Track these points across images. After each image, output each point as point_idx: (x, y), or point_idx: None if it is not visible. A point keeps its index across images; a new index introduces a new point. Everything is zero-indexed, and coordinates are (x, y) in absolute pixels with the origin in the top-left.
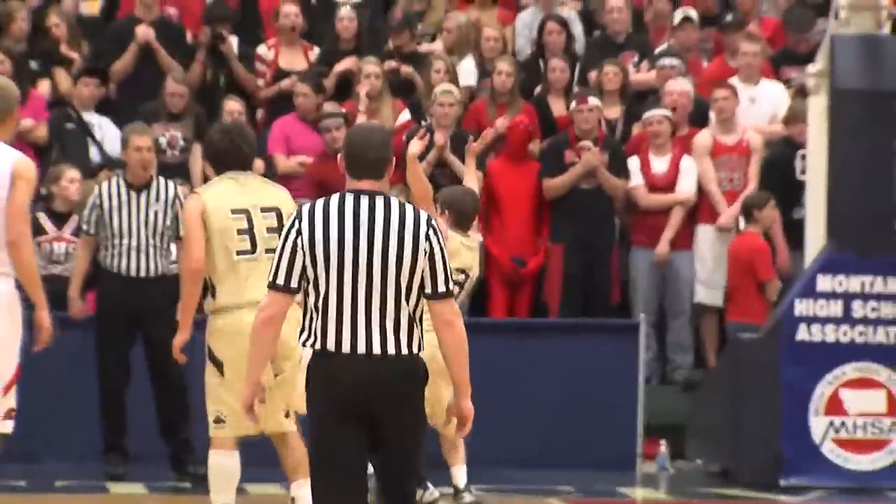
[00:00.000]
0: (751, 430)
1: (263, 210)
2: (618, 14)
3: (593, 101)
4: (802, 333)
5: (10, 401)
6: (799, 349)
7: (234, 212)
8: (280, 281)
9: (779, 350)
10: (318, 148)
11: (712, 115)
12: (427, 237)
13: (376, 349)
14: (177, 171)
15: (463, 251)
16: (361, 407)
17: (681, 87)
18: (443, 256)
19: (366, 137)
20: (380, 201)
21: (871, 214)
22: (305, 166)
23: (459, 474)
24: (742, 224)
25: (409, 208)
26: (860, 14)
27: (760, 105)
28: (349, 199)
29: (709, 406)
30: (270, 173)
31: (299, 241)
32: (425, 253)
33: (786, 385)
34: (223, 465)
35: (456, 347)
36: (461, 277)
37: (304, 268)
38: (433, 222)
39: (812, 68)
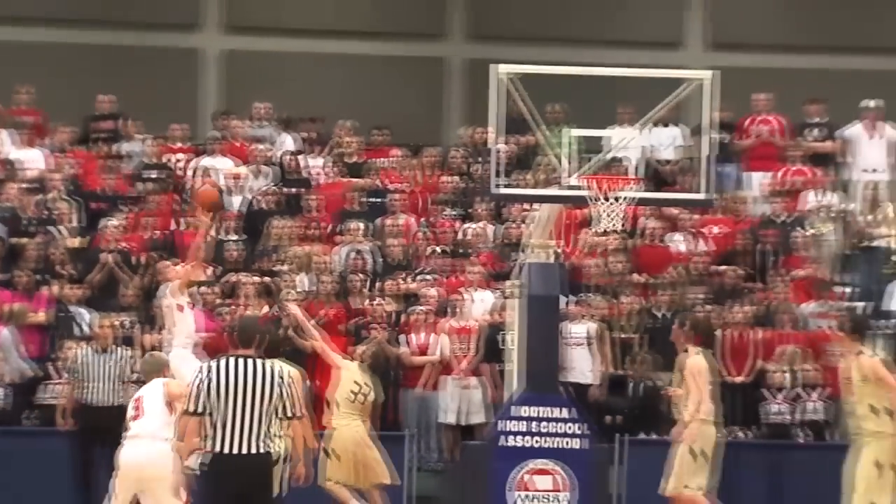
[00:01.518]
0: (477, 500)
1: None
2: (396, 248)
3: (383, 301)
4: (508, 441)
5: None
6: (505, 450)
7: None
8: (192, 409)
9: (492, 451)
10: (216, 327)
11: (455, 309)
12: (281, 383)
13: (249, 450)
14: (128, 342)
15: (361, 375)
16: (238, 486)
17: (434, 292)
18: (290, 395)
19: (246, 322)
20: (257, 362)
21: (547, 369)
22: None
23: None
24: None
25: (272, 365)
26: (540, 250)
27: (484, 303)
28: (238, 360)
29: (453, 485)
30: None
31: (204, 383)
32: (279, 393)
33: (496, 472)
34: None
35: (299, 440)
36: (366, 389)
37: (207, 400)
38: (286, 372)
39: (513, 281)
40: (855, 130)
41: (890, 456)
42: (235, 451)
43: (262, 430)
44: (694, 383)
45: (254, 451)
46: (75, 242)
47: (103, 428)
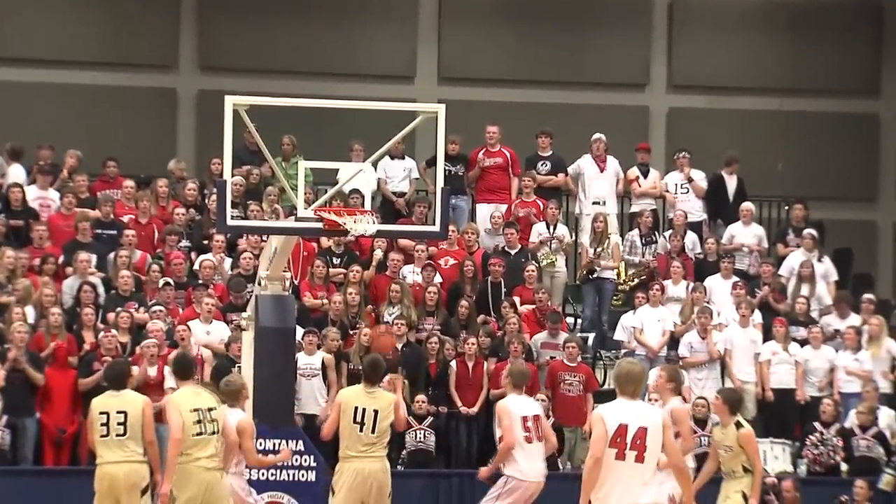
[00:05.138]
0: None
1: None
2: (127, 279)
3: (113, 332)
4: None
5: None
6: None
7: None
8: None
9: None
10: None
11: (186, 340)
12: None
13: None
14: None
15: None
16: None
17: (158, 326)
18: None
19: None
20: None
21: (280, 401)
22: None
23: None
24: None
25: None
26: (273, 282)
27: (214, 334)
28: None
29: None
30: None
31: None
32: None
33: None
34: None
35: None
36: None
37: None
38: None
39: (245, 313)
40: (583, 163)
41: None
42: None
43: None
44: None
45: None
46: None
47: None
